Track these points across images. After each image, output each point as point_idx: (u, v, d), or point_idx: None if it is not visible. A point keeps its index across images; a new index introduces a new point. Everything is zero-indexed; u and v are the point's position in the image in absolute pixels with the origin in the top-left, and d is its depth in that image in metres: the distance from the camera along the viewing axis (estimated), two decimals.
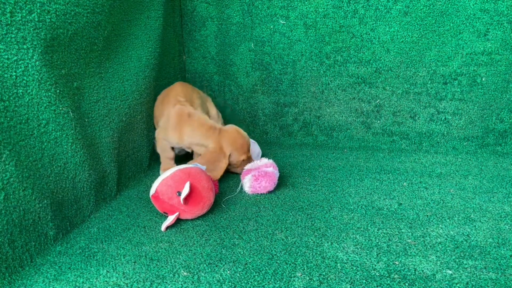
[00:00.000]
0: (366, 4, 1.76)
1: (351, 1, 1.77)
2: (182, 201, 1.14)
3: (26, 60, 0.93)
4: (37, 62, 0.96)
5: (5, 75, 0.89)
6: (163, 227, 1.13)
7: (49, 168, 1.04)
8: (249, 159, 1.55)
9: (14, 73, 0.91)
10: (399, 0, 1.72)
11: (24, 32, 0.91)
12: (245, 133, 1.54)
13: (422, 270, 0.92)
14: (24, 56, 0.92)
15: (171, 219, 1.15)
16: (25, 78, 0.93)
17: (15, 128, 0.92)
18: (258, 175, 1.36)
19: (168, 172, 1.20)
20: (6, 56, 0.88)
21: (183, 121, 1.49)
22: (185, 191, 1.13)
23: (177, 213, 1.16)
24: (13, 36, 0.89)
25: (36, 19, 0.94)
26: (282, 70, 1.94)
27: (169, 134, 1.50)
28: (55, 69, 1.03)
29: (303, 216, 1.21)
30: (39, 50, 0.96)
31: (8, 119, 0.90)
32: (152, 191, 1.19)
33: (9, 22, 0.88)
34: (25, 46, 0.92)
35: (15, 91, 0.91)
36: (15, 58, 0.90)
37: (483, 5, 1.67)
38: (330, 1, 1.79)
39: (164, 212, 1.18)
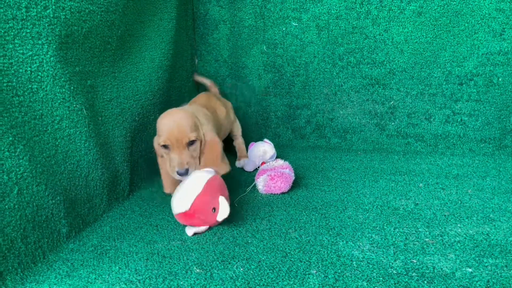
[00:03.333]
0: (379, 5, 1.75)
1: (364, 2, 1.76)
2: (219, 220, 1.10)
3: (41, 56, 0.93)
4: (52, 58, 0.96)
5: (20, 70, 0.89)
6: (190, 233, 1.09)
7: (63, 165, 1.04)
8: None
9: (29, 68, 0.91)
10: (413, 0, 1.71)
11: (39, 28, 0.92)
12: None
13: (441, 268, 0.89)
14: (39, 51, 0.93)
15: (202, 229, 1.10)
16: (39, 73, 0.94)
17: (29, 124, 0.92)
18: (274, 175, 1.35)
19: (198, 184, 1.12)
20: (22, 51, 0.89)
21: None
22: (226, 212, 1.09)
23: (207, 227, 1.12)
24: (28, 31, 0.90)
25: (51, 15, 0.95)
26: (294, 72, 1.93)
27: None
28: (69, 66, 1.03)
29: (317, 215, 1.19)
30: (54, 46, 0.96)
31: (23, 114, 0.91)
32: (186, 207, 1.09)
33: (24, 17, 0.89)
34: (40, 42, 0.93)
35: (29, 86, 0.92)
36: (30, 53, 0.91)
37: (498, 4, 1.64)
38: (343, 2, 1.78)
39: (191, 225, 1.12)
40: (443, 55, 1.75)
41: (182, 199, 1.10)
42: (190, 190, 1.10)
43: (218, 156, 1.30)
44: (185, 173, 1.19)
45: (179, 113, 1.26)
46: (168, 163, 1.24)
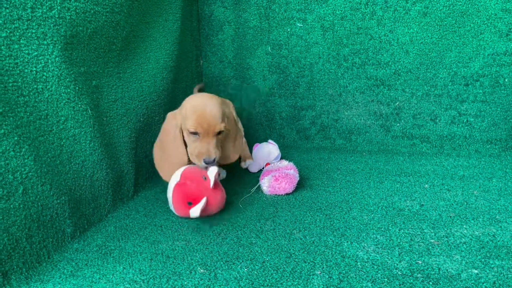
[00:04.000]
0: (384, 5, 1.74)
1: (369, 3, 1.75)
2: (212, 185, 1.15)
3: (46, 56, 0.94)
4: (57, 58, 0.97)
5: (26, 70, 0.90)
6: (197, 212, 1.11)
7: (68, 165, 1.04)
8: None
9: (34, 69, 0.92)
10: (418, 1, 1.70)
11: (44, 28, 0.93)
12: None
13: (447, 270, 0.88)
14: (44, 51, 0.93)
15: (202, 202, 1.12)
16: (45, 74, 0.94)
17: (34, 123, 0.93)
18: (279, 175, 1.35)
19: (183, 168, 1.22)
20: (27, 51, 0.89)
21: None
22: (214, 172, 1.16)
23: (205, 197, 1.14)
24: (33, 31, 0.90)
25: (56, 16, 0.95)
26: (299, 73, 1.93)
27: None
28: (74, 67, 1.04)
29: (322, 216, 1.18)
30: (59, 47, 0.97)
31: (28, 114, 0.91)
32: (177, 179, 1.17)
33: (30, 18, 0.89)
34: (45, 42, 0.93)
35: (35, 86, 0.92)
36: (36, 53, 0.91)
37: (504, 4, 1.63)
38: (348, 3, 1.77)
39: (188, 202, 1.15)
40: (448, 55, 1.74)
41: (173, 177, 1.20)
42: (178, 171, 1.22)
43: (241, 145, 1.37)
44: (212, 162, 1.20)
45: (212, 99, 1.24)
46: (191, 149, 1.23)
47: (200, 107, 1.21)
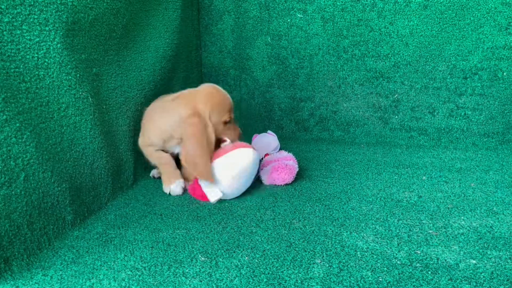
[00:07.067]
0: None
1: None
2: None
3: (48, 42, 0.93)
4: (59, 45, 0.96)
5: (28, 56, 0.89)
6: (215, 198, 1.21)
7: (68, 152, 1.04)
8: (232, 122, 1.33)
9: (36, 55, 0.91)
10: None
11: (46, 14, 0.92)
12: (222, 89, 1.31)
13: (445, 260, 0.89)
14: (46, 38, 0.93)
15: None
16: (46, 60, 0.94)
17: (36, 110, 0.92)
18: (278, 166, 1.35)
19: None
20: (29, 37, 0.89)
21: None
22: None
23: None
24: (35, 17, 0.90)
25: (58, 2, 0.95)
26: (298, 65, 1.93)
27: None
28: (75, 53, 1.03)
29: (321, 207, 1.19)
30: (61, 33, 0.96)
31: (29, 100, 0.91)
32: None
33: (32, 3, 0.88)
34: (47, 28, 0.93)
35: (36, 72, 0.92)
36: (37, 39, 0.91)
37: None
38: None
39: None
40: (448, 48, 1.75)
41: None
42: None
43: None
44: None
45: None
46: (229, 136, 1.31)
47: (228, 96, 1.31)
